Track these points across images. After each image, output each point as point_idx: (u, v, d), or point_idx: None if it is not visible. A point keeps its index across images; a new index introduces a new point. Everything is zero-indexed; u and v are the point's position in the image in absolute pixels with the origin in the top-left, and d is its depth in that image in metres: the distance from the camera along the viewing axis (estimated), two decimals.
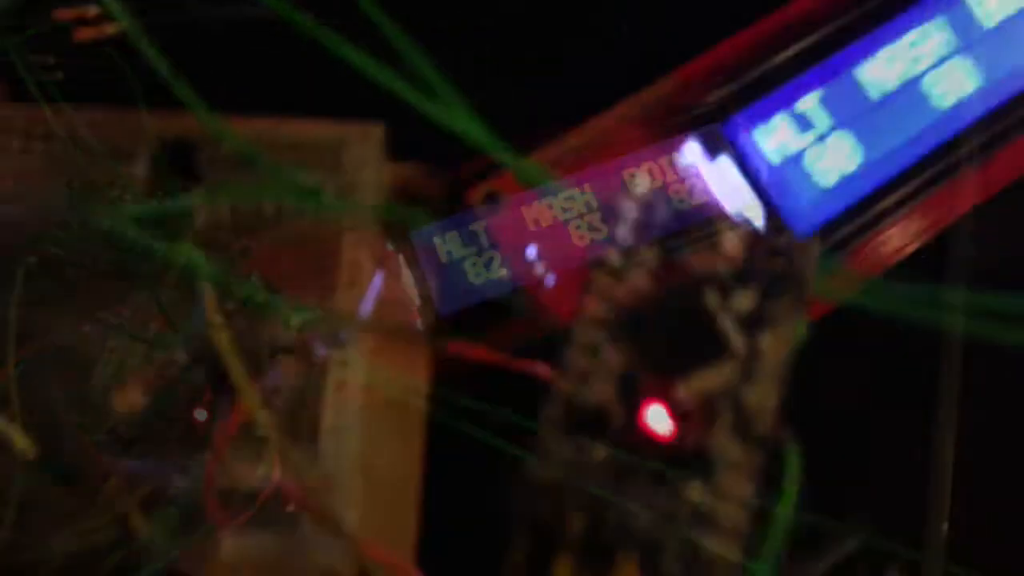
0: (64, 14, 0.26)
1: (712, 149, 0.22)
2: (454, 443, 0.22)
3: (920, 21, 0.23)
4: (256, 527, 0.19)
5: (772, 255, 0.14)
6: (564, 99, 0.23)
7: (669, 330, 0.13)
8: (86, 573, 0.18)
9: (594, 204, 0.16)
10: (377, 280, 0.20)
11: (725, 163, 0.22)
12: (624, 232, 0.14)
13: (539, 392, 0.21)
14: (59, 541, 0.19)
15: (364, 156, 0.22)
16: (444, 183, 0.24)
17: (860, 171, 0.22)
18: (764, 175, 0.21)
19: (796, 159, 0.22)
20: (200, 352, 0.17)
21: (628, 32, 0.24)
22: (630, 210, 0.14)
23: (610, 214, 0.15)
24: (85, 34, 0.26)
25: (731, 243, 0.14)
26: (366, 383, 0.21)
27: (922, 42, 0.23)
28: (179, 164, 0.20)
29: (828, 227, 0.21)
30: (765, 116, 0.22)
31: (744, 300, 0.14)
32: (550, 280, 0.21)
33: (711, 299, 0.14)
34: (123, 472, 0.17)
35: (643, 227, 0.14)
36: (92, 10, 0.27)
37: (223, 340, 0.16)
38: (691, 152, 0.22)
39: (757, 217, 0.21)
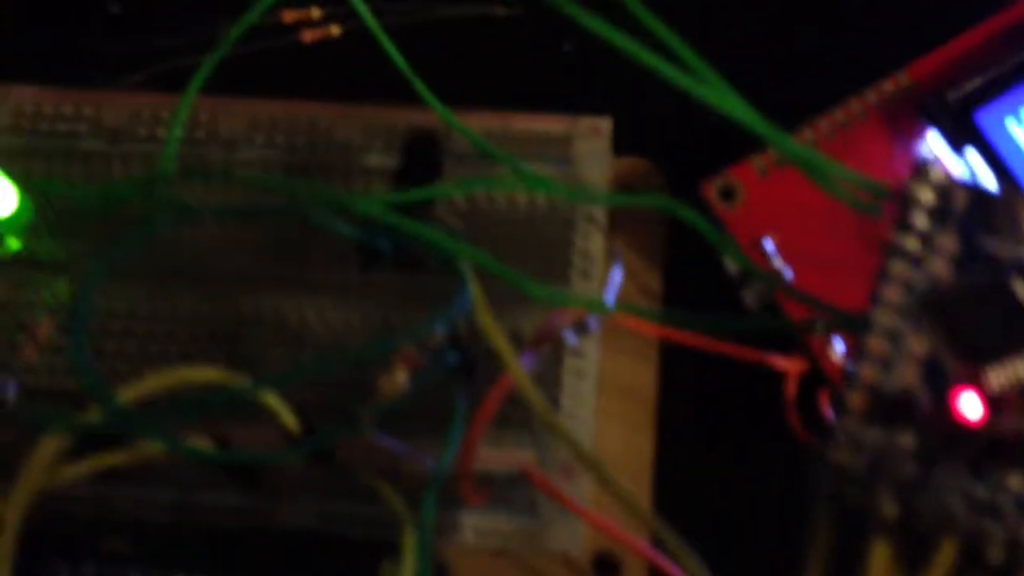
0: (289, 15, 0.27)
1: (959, 141, 0.21)
2: (685, 428, 0.22)
3: None
4: (497, 508, 0.19)
5: None
6: (800, 90, 0.23)
7: (974, 317, 0.13)
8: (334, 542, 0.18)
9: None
10: (617, 272, 0.20)
11: (973, 155, 0.21)
12: (921, 218, 0.14)
13: (772, 379, 0.21)
14: (309, 511, 0.19)
15: (593, 150, 0.23)
16: (664, 178, 0.24)
17: None
18: (1019, 166, 0.20)
19: None
20: (456, 334, 0.18)
21: (864, 21, 0.23)
22: (926, 196, 0.14)
23: (903, 200, 0.14)
24: (310, 36, 0.27)
25: None
26: (600, 371, 0.21)
27: None
28: (423, 156, 0.21)
29: None
30: (1017, 106, 0.21)
31: None
32: (788, 274, 0.21)
33: (1019, 286, 0.13)
34: (380, 449, 0.17)
35: (941, 213, 0.14)
36: (316, 12, 0.28)
37: (489, 320, 0.16)
38: (935, 144, 0.21)
39: None
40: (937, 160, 0.14)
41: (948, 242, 0.14)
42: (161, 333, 0.21)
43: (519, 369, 0.16)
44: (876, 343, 0.13)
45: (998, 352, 0.13)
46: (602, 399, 0.21)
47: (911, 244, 0.14)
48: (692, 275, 0.22)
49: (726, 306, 0.22)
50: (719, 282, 0.22)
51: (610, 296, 0.20)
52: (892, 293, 0.13)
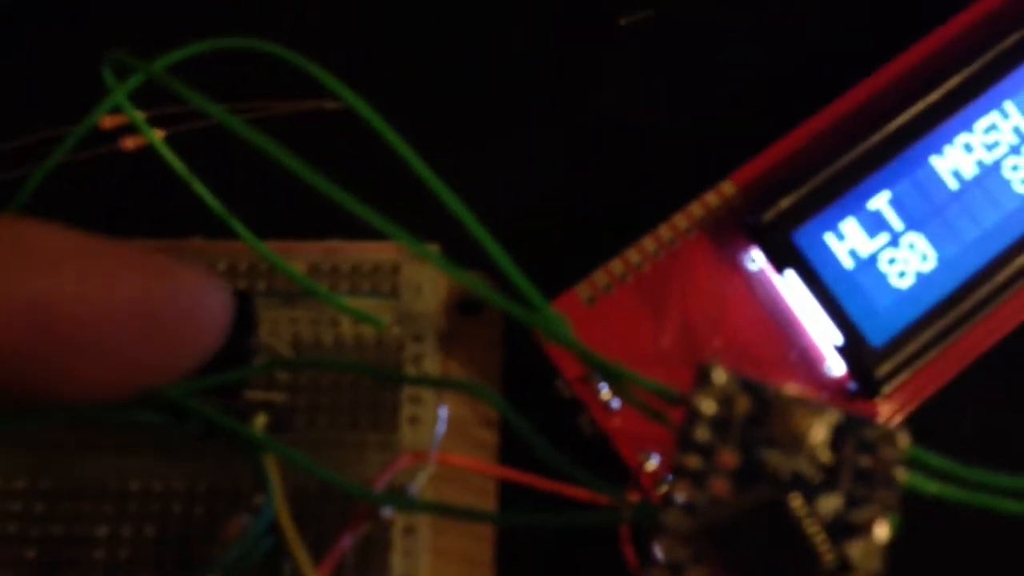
0: (108, 121, 0.26)
1: (780, 259, 0.21)
2: (526, 563, 0.22)
3: (991, 107, 0.22)
4: None
5: (858, 449, 0.14)
6: (621, 207, 0.23)
7: (756, 542, 0.13)
8: None
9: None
10: (442, 415, 0.20)
11: (793, 274, 0.21)
12: (703, 431, 0.14)
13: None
14: None
15: (422, 277, 0.22)
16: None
17: (938, 270, 0.21)
18: (837, 283, 0.21)
19: (869, 263, 0.21)
20: (269, 523, 0.17)
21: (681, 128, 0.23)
22: (708, 406, 0.14)
23: (686, 414, 0.14)
24: (132, 143, 0.26)
25: (814, 437, 0.14)
26: (434, 521, 0.20)
27: (996, 129, 0.22)
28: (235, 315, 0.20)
29: (908, 332, 0.21)
30: (834, 221, 0.21)
31: (830, 503, 0.13)
32: (615, 405, 0.21)
33: (796, 504, 0.13)
34: None
35: (722, 423, 0.14)
36: (138, 115, 0.26)
37: (290, 528, 0.16)
38: (758, 263, 0.21)
39: (833, 332, 0.20)
40: (719, 366, 0.14)
41: (729, 457, 0.14)
42: None
43: None
44: None
45: None
46: (440, 537, 0.21)
47: (693, 462, 0.14)
48: (529, 399, 0.22)
49: (563, 430, 0.22)
50: (556, 404, 0.22)
51: (436, 442, 0.20)
52: (674, 519, 0.13)
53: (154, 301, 0.16)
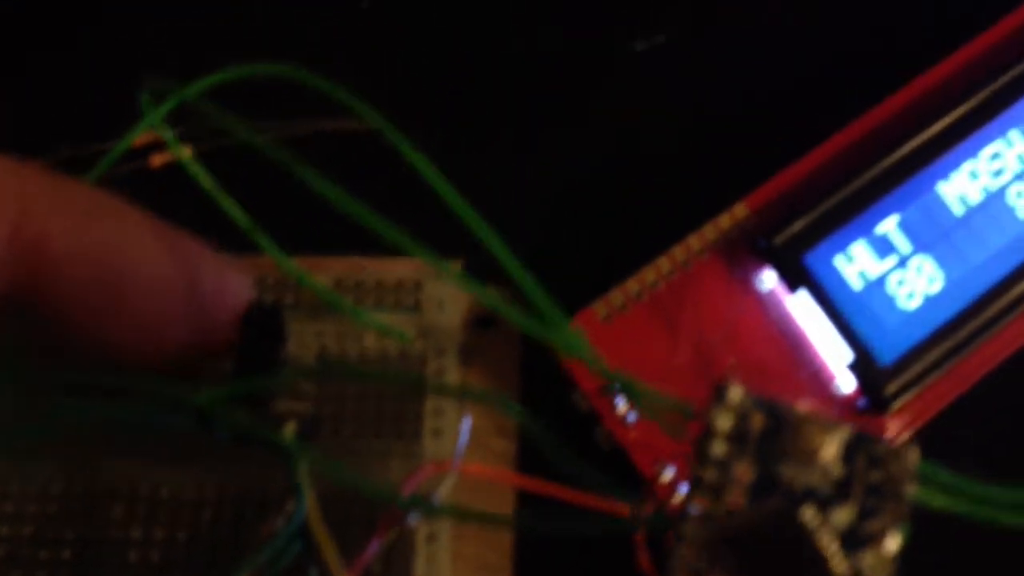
0: (139, 137, 0.26)
1: (792, 280, 0.22)
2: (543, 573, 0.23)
3: (996, 136, 0.22)
4: None
5: (869, 465, 0.14)
6: (638, 228, 0.23)
7: (771, 552, 0.14)
8: None
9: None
10: (465, 426, 0.21)
11: (805, 295, 0.21)
12: (719, 446, 0.14)
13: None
14: None
15: (443, 293, 0.23)
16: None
17: (944, 292, 0.22)
18: (847, 304, 0.21)
19: (878, 285, 0.22)
20: (299, 527, 0.18)
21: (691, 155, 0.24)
22: (725, 423, 0.14)
23: (702, 429, 0.15)
24: (159, 160, 0.27)
25: (826, 452, 0.14)
26: (454, 529, 0.21)
27: (1001, 156, 0.22)
28: (264, 327, 0.21)
29: (916, 351, 0.21)
30: (844, 243, 0.22)
31: (842, 515, 0.14)
32: (632, 418, 0.21)
33: (809, 516, 0.14)
34: None
35: (738, 438, 0.14)
36: (166, 132, 0.27)
37: (321, 531, 0.17)
38: (770, 284, 0.22)
39: (844, 351, 0.21)
40: (735, 383, 0.15)
41: (744, 471, 0.14)
42: (9, 513, 0.21)
43: None
44: None
45: None
46: (458, 543, 0.21)
47: (710, 475, 0.14)
48: (546, 413, 0.23)
49: (580, 441, 0.22)
50: (573, 417, 0.23)
51: (459, 452, 0.20)
52: (692, 528, 0.14)
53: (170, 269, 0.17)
